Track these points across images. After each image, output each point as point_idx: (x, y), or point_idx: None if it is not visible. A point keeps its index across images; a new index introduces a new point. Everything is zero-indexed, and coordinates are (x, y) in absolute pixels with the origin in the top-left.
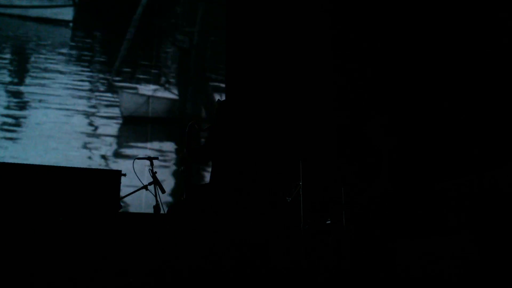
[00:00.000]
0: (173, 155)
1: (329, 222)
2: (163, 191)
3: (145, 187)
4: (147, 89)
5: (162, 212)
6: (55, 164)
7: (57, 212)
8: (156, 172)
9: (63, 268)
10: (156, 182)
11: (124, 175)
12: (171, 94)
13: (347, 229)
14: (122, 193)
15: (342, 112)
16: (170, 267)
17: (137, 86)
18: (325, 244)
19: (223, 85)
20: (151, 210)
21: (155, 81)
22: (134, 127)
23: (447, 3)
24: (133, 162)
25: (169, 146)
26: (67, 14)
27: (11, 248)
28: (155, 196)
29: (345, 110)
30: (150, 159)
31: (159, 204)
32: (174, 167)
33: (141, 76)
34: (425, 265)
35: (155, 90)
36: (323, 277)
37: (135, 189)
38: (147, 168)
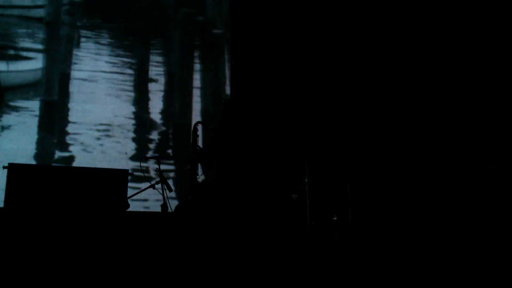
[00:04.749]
0: None
1: (335, 218)
2: (170, 190)
3: (152, 186)
4: None
5: (169, 210)
6: None
7: (66, 211)
8: (163, 171)
9: (72, 265)
10: (163, 181)
11: (132, 174)
12: None
13: (353, 225)
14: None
15: (347, 109)
16: (177, 264)
17: None
18: (332, 240)
19: (20, 54)
20: (158, 209)
21: None
22: None
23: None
24: (140, 162)
25: None
26: None
27: (20, 246)
28: (162, 195)
29: (351, 107)
30: (157, 158)
31: (166, 202)
32: None
33: None
34: (431, 260)
35: None
36: (330, 273)
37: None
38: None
